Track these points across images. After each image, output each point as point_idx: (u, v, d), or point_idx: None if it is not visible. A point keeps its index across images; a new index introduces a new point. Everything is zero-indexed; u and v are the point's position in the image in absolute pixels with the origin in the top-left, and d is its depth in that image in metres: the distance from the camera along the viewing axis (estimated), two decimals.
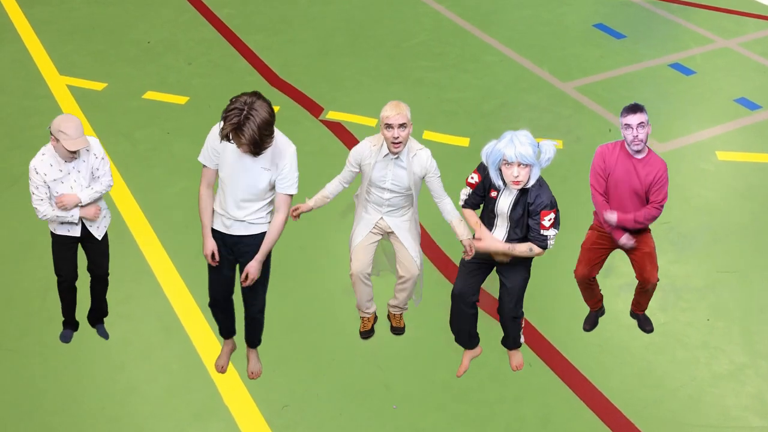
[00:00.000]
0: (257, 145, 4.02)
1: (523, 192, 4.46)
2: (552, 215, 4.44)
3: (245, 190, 4.37)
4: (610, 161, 4.86)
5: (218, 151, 4.34)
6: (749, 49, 8.73)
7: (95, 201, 4.79)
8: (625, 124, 4.74)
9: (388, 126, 4.70)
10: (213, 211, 4.53)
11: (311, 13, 9.47)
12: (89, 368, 5.06)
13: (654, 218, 4.86)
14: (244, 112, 3.93)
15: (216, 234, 4.55)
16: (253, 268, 4.48)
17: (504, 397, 4.91)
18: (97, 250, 4.99)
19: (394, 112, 4.68)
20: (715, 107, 7.75)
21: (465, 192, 4.73)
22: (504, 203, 4.53)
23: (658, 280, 5.09)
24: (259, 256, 4.47)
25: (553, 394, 4.92)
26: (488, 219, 4.67)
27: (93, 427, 4.70)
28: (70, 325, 5.26)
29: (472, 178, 4.66)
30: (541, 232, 4.46)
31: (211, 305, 4.88)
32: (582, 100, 7.77)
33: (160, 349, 5.20)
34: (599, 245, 5.08)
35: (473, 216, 4.75)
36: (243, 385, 4.96)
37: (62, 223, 4.82)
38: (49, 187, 4.64)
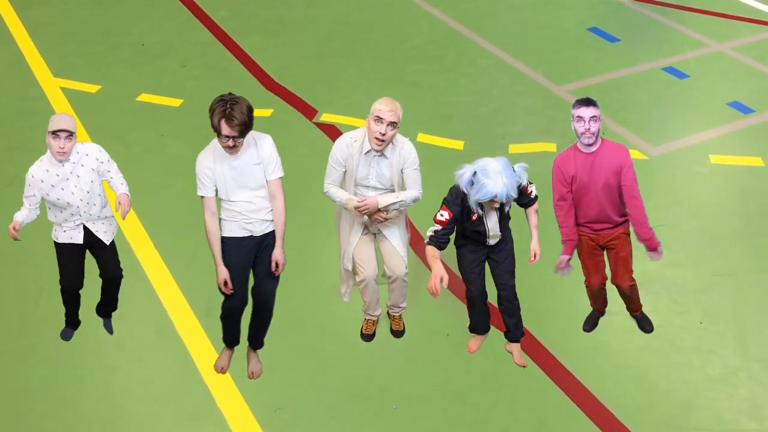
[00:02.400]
0: (246, 126, 4.36)
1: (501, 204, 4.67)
2: (533, 184, 4.79)
3: (253, 190, 4.58)
4: (569, 168, 4.79)
5: (211, 174, 4.55)
6: (742, 53, 8.76)
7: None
8: (578, 117, 4.68)
9: (378, 119, 4.56)
10: (219, 232, 4.67)
11: (308, 15, 9.47)
12: (83, 370, 5.05)
13: (642, 207, 4.84)
14: (229, 102, 4.35)
15: (239, 241, 4.66)
16: (280, 255, 4.72)
17: (500, 400, 4.92)
18: (107, 255, 5.01)
19: (389, 108, 4.56)
20: (708, 111, 7.77)
21: (433, 229, 4.65)
22: (492, 222, 4.71)
23: (632, 283, 5.07)
24: (280, 242, 4.73)
25: (548, 397, 4.93)
26: (475, 237, 4.78)
27: (87, 429, 4.70)
28: (72, 324, 5.27)
29: (441, 215, 4.60)
30: (531, 196, 4.82)
31: (227, 317, 4.87)
32: None
33: (154, 351, 5.19)
34: (594, 247, 5.05)
35: (435, 253, 4.62)
36: (236, 388, 4.96)
37: (65, 231, 4.85)
38: (48, 194, 4.67)
